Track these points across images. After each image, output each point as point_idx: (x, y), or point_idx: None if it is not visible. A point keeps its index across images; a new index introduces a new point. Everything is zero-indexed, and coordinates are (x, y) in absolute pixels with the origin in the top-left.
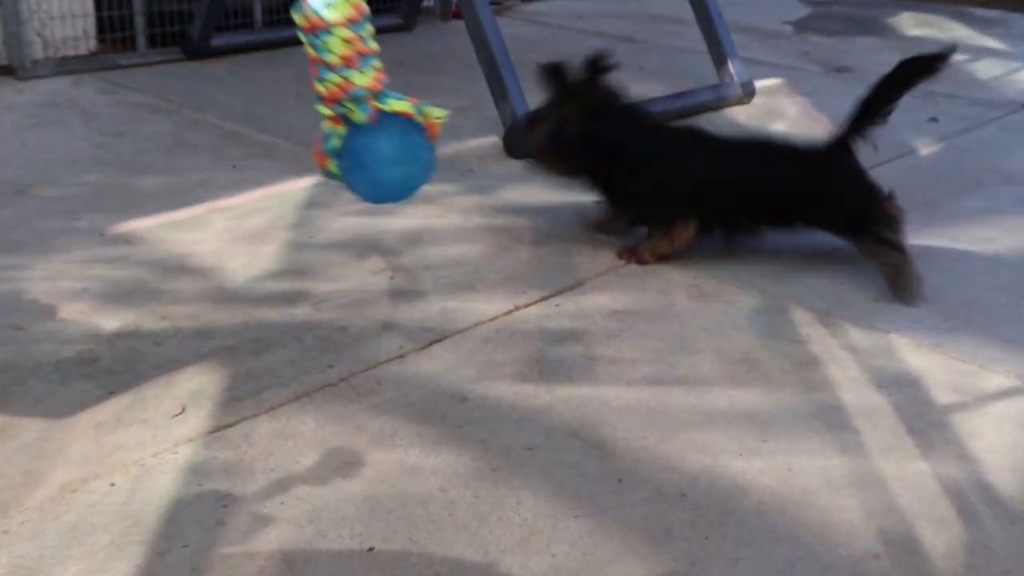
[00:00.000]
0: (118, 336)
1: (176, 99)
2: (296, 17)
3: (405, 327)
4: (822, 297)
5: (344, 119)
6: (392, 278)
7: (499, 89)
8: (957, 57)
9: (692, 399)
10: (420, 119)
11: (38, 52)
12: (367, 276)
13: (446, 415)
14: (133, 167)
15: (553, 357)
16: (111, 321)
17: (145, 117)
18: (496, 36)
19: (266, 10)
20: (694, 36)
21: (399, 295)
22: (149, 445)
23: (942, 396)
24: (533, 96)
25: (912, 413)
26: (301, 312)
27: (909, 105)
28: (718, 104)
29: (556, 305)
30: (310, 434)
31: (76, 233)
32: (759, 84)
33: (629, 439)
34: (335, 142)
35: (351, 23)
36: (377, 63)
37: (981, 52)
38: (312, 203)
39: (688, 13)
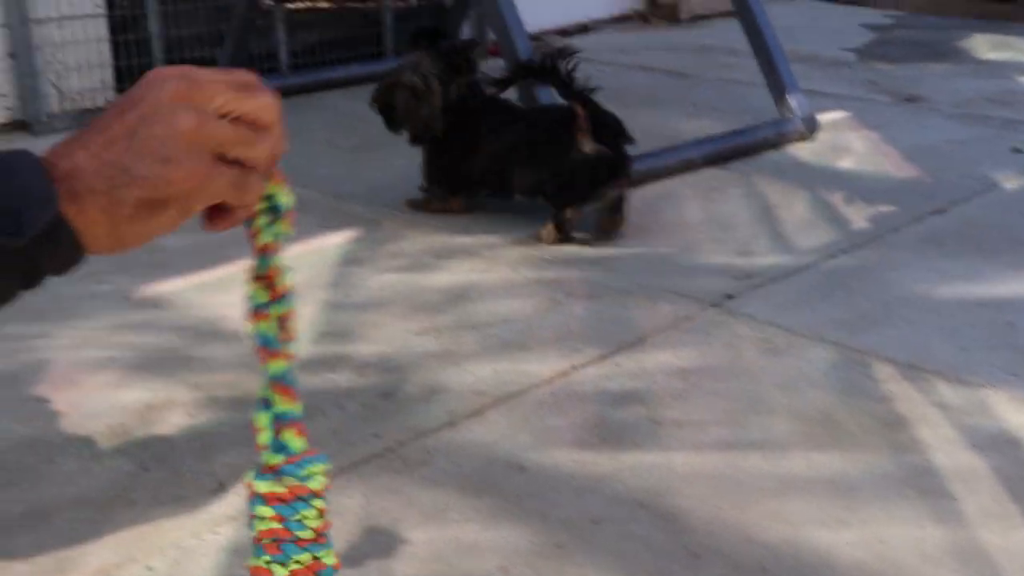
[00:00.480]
0: (149, 407)
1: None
2: (262, 488)
3: (454, 391)
4: (903, 348)
5: None
6: (438, 339)
7: None
8: None
9: (768, 464)
10: None
11: (54, 105)
12: (411, 337)
13: (502, 486)
14: None
15: (615, 421)
16: (141, 392)
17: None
18: None
19: (292, 54)
20: (749, 67)
21: (446, 357)
22: (187, 525)
23: None
24: None
25: (1014, 476)
26: (343, 377)
27: (987, 135)
28: (779, 141)
29: (615, 364)
30: (358, 509)
31: (101, 298)
32: (823, 117)
33: (701, 509)
34: None
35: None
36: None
37: None
38: (349, 259)
39: (741, 43)
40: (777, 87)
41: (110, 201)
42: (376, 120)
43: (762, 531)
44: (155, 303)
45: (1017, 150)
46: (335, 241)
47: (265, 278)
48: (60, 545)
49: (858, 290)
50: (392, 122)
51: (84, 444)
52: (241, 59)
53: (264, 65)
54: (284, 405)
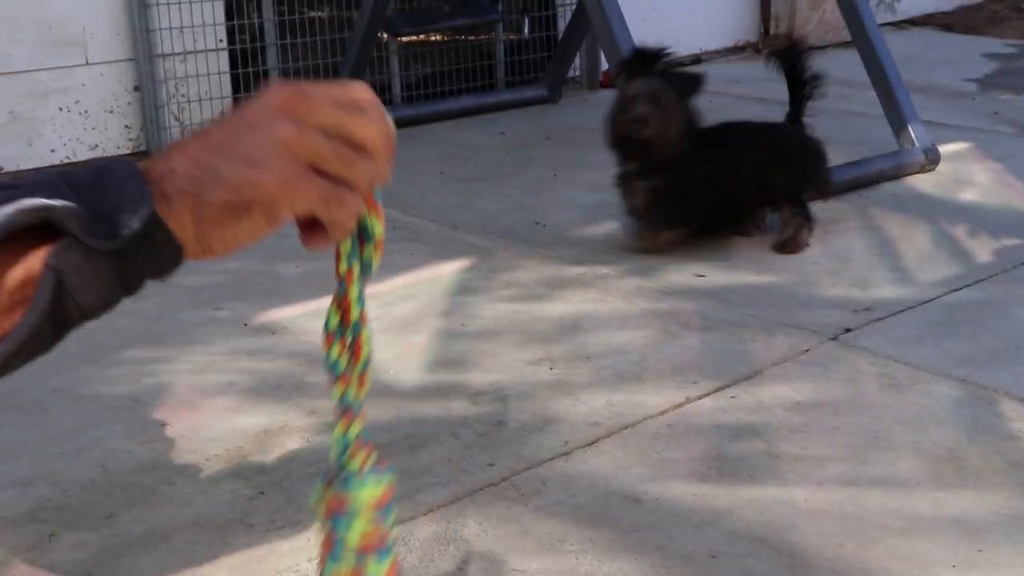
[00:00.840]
0: (267, 432)
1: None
2: (315, 499)
3: (568, 421)
4: None
5: None
6: (552, 368)
7: None
8: None
9: (892, 502)
10: None
11: (175, 136)
12: (525, 366)
13: (619, 518)
14: (275, 253)
15: (732, 454)
16: (259, 416)
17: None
18: None
19: (405, 85)
20: (866, 98)
21: (560, 387)
22: (303, 549)
23: None
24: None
25: None
26: (457, 406)
27: None
28: (898, 173)
29: (732, 397)
30: (472, 538)
31: (219, 324)
32: (944, 149)
33: (823, 546)
34: None
35: (381, 507)
36: (393, 554)
37: None
38: (463, 288)
39: (857, 74)
40: (896, 118)
41: (196, 202)
42: (489, 150)
43: (887, 571)
44: (271, 329)
45: None
46: (449, 270)
47: (341, 304)
48: (179, 567)
49: (983, 325)
50: (631, 155)
51: (202, 467)
52: None
53: (378, 97)
54: (344, 428)
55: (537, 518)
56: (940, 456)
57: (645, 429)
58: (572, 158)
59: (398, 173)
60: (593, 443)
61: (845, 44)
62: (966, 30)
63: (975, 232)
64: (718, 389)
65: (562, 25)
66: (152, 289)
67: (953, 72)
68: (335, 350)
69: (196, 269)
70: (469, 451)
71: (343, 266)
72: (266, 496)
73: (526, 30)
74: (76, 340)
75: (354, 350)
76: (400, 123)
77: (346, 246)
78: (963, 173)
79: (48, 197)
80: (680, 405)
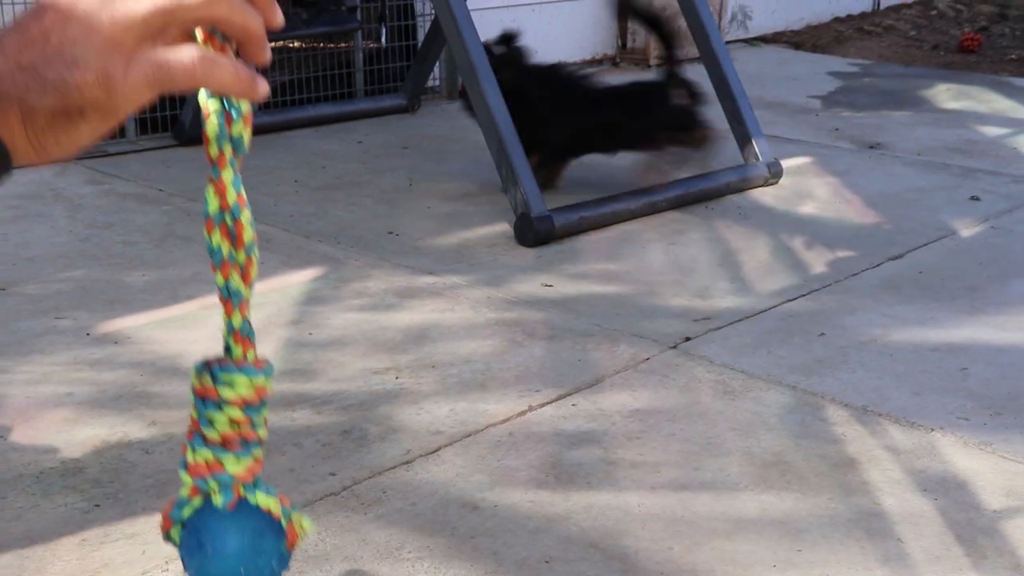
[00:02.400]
0: (104, 444)
1: (168, 188)
2: (192, 378)
3: (411, 430)
4: (858, 392)
5: (202, 493)
6: (397, 378)
7: (509, 173)
8: (998, 131)
9: (720, 505)
10: (283, 523)
11: None
12: (370, 376)
13: (456, 526)
14: (121, 262)
15: (570, 461)
16: (97, 428)
17: (135, 208)
18: (505, 118)
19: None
20: (715, 113)
21: (405, 396)
22: (138, 562)
23: (993, 500)
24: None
25: (960, 519)
26: (301, 415)
27: (947, 183)
28: (743, 186)
29: (572, 404)
30: (311, 548)
31: (60, 333)
32: (787, 163)
33: (653, 550)
34: (186, 512)
35: (246, 405)
36: (258, 452)
37: None
38: (312, 298)
39: (708, 89)
40: (742, 133)
41: (24, 109)
42: (346, 159)
43: (712, 572)
44: (115, 339)
45: (975, 198)
46: (298, 279)
47: (217, 188)
48: None
49: (815, 334)
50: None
51: (36, 480)
52: None
53: None
54: (227, 317)
55: (376, 527)
56: (768, 460)
57: (486, 437)
58: (429, 167)
59: (252, 181)
60: (435, 451)
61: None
62: (813, 48)
63: (812, 244)
64: (560, 397)
65: (422, 35)
66: None
67: (799, 89)
68: (215, 236)
69: (37, 277)
70: (311, 460)
71: (213, 149)
72: (101, 509)
73: (384, 39)
74: None
75: (235, 235)
76: (257, 131)
77: (213, 127)
78: (804, 187)
79: None
80: (522, 413)
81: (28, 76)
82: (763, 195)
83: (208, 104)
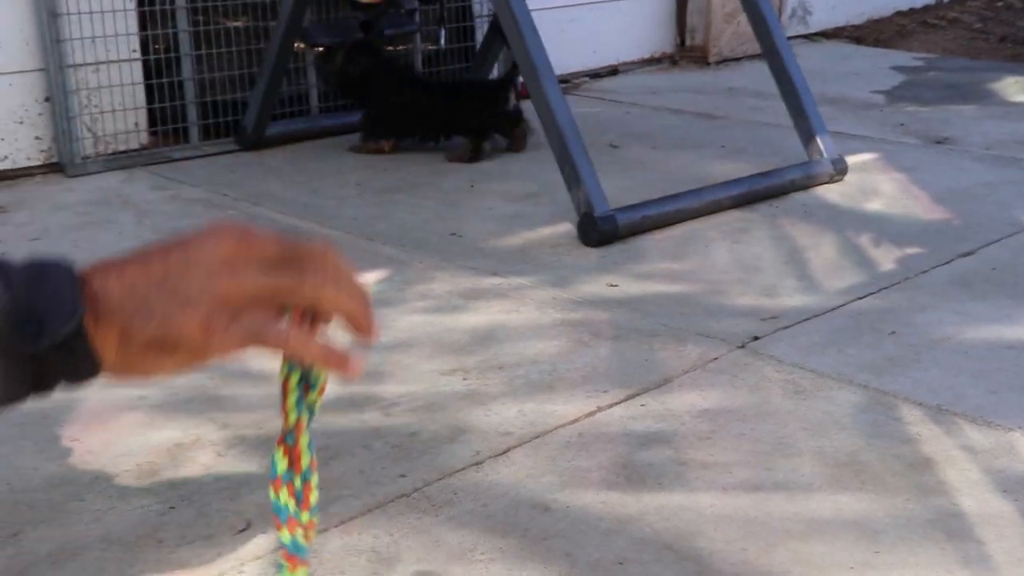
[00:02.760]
0: (178, 447)
1: (231, 192)
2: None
3: (480, 432)
4: (932, 391)
5: None
6: (465, 379)
7: (571, 174)
8: None
9: (794, 506)
10: None
11: (88, 148)
12: (438, 378)
13: (528, 527)
14: None
15: (641, 462)
16: (170, 431)
17: (199, 213)
18: (567, 117)
19: (323, 96)
20: (777, 110)
21: (473, 397)
22: (213, 564)
23: None
24: (607, 178)
25: None
26: (370, 417)
27: (1017, 177)
28: (808, 183)
29: (641, 405)
30: (384, 549)
31: None
32: (852, 160)
33: (727, 551)
34: None
35: None
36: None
37: None
38: (377, 300)
39: (770, 86)
40: (806, 129)
41: (124, 330)
42: (406, 161)
43: (787, 574)
44: None
45: None
46: (365, 280)
47: (291, 452)
48: None
49: (885, 332)
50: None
51: (112, 483)
52: (272, 101)
53: (295, 107)
54: (290, 572)
55: (448, 528)
56: (841, 461)
57: (556, 438)
58: (489, 168)
59: (316, 184)
60: (504, 453)
61: (759, 56)
62: (876, 43)
63: (880, 241)
64: (628, 398)
65: (480, 36)
66: None
67: (862, 84)
68: (283, 495)
69: None
70: (381, 463)
71: (292, 416)
72: (176, 511)
73: (442, 41)
74: None
75: (303, 497)
76: (317, 134)
77: (292, 397)
78: (870, 183)
79: None
80: (591, 414)
81: (139, 304)
82: (828, 192)
83: (287, 376)
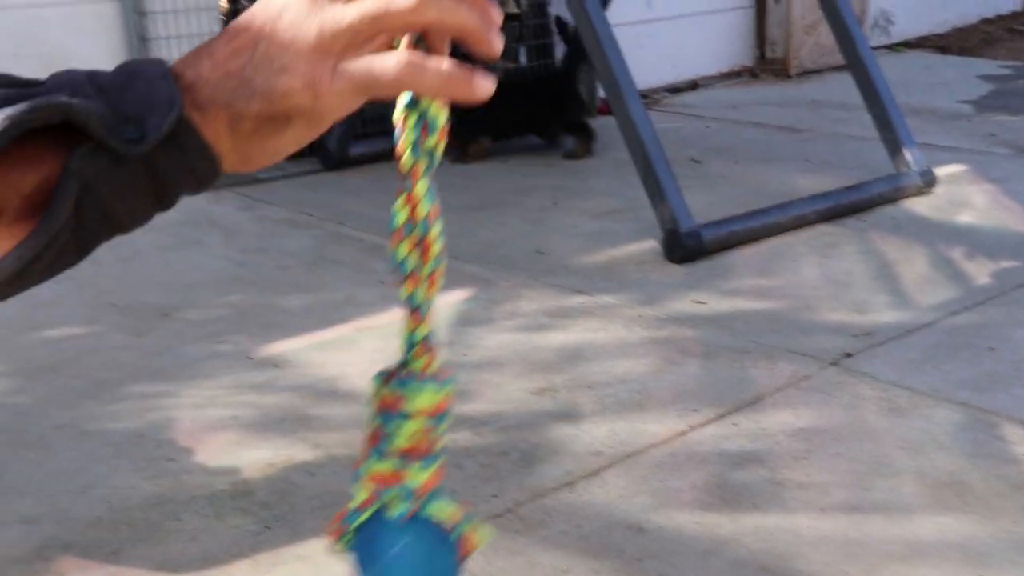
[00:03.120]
0: (271, 466)
1: (316, 212)
2: (371, 393)
3: (572, 451)
4: None
5: (378, 504)
6: (554, 398)
7: (655, 189)
8: None
9: (895, 528)
10: (458, 533)
11: None
12: (527, 396)
13: (623, 548)
14: (276, 286)
15: (735, 482)
16: (263, 451)
17: (285, 232)
18: (650, 132)
19: None
20: (862, 122)
21: (563, 416)
22: None
23: None
24: (690, 193)
25: None
26: (460, 437)
27: None
28: (895, 195)
29: (733, 424)
30: (478, 571)
31: (222, 357)
32: (940, 171)
33: (827, 574)
34: (359, 520)
35: (431, 416)
36: (438, 463)
37: None
38: (465, 319)
39: (853, 98)
40: (892, 141)
41: (231, 115)
42: (488, 179)
43: None
44: (274, 362)
45: None
46: (450, 300)
47: (409, 200)
48: None
49: (983, 348)
50: None
51: (208, 502)
52: (354, 121)
53: (378, 127)
54: (411, 328)
55: (542, 549)
56: (942, 481)
57: (648, 458)
58: (572, 186)
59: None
60: (596, 473)
61: (842, 67)
62: (960, 52)
63: (973, 254)
64: (720, 416)
65: (559, 53)
66: (153, 323)
67: (948, 94)
68: (403, 248)
69: (198, 302)
70: (472, 482)
71: (407, 161)
72: (271, 531)
73: (523, 58)
74: (78, 376)
75: (423, 247)
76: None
77: (408, 138)
78: (960, 195)
79: (71, 96)
80: (682, 433)
81: (236, 82)
82: (917, 205)
83: (404, 116)
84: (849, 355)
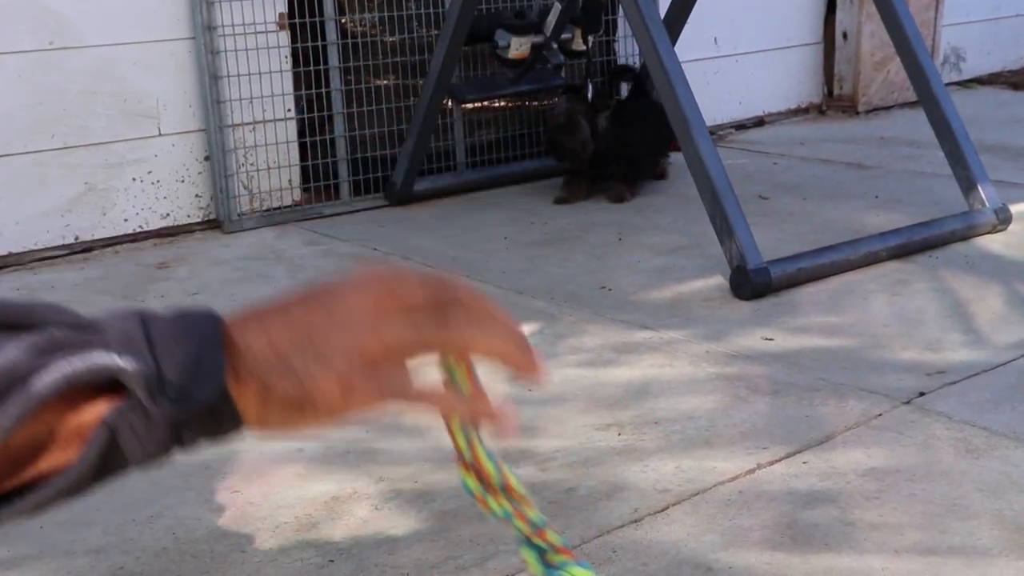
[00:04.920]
0: (335, 500)
1: (381, 247)
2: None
3: (638, 488)
4: None
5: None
6: (620, 434)
7: (724, 225)
8: None
9: (972, 572)
10: None
11: (244, 205)
12: (592, 432)
13: None
14: None
15: (805, 522)
16: (327, 484)
17: (350, 267)
18: (719, 169)
19: (469, 151)
20: (933, 159)
21: (629, 453)
22: None
23: None
24: (758, 230)
25: None
26: (525, 472)
27: None
28: (969, 233)
29: (803, 462)
30: None
31: None
32: (1015, 209)
33: None
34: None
35: None
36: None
37: None
38: None
39: (924, 134)
40: (965, 177)
41: (263, 387)
42: (553, 215)
43: None
44: None
45: None
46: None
47: (473, 469)
48: None
49: None
50: (558, 156)
51: (273, 535)
52: (420, 157)
53: (443, 163)
54: (544, 543)
55: None
56: (1022, 525)
57: (716, 496)
58: (637, 221)
59: (463, 238)
60: (663, 510)
61: (911, 104)
62: None
63: None
64: (789, 455)
65: (625, 90)
66: None
67: (1022, 131)
68: (493, 505)
69: None
70: None
71: (461, 442)
72: (335, 564)
73: (590, 95)
74: None
75: (507, 493)
76: (464, 188)
77: (455, 423)
78: None
79: (123, 351)
80: (751, 471)
81: (280, 363)
82: (991, 242)
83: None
84: (922, 394)
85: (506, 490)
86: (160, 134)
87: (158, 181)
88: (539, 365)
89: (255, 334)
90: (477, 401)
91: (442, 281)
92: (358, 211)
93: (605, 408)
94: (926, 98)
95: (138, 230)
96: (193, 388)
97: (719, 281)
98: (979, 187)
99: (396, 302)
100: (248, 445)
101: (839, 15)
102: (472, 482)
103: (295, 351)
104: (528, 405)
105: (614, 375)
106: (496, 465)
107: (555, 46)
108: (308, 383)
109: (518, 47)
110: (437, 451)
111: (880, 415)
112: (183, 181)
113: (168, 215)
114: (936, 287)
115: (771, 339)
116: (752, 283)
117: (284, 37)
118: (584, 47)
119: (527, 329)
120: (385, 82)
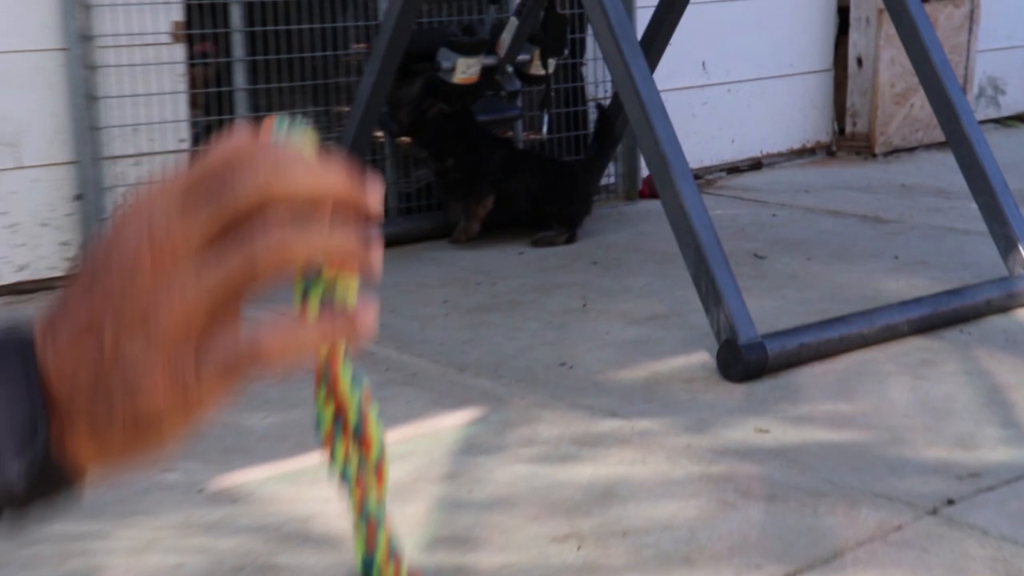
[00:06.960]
0: None
1: (289, 311)
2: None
3: None
4: None
5: None
6: (580, 548)
7: (709, 289)
8: None
9: None
10: None
11: None
12: (546, 545)
13: None
14: (239, 401)
15: None
16: None
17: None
18: (705, 221)
19: (402, 196)
20: (966, 212)
21: (590, 571)
22: None
23: None
24: (753, 296)
25: None
26: None
27: None
28: (1008, 303)
29: None
30: None
31: (168, 489)
32: None
33: None
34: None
35: None
36: None
37: None
38: (470, 446)
39: (955, 181)
40: (1005, 236)
41: (92, 424)
42: (504, 274)
43: None
44: (232, 497)
45: None
46: (453, 423)
47: (331, 395)
48: None
49: None
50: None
51: None
52: None
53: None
54: (372, 544)
55: None
56: None
57: None
58: (606, 283)
59: (394, 301)
60: None
61: (938, 145)
62: None
63: None
64: (788, 575)
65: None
66: None
67: None
68: (339, 454)
69: None
70: None
71: (322, 351)
72: None
73: (545, 128)
74: None
75: (363, 443)
76: (397, 241)
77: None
78: None
79: None
80: None
81: (89, 380)
82: None
83: (304, 297)
84: (951, 502)
85: (361, 441)
86: (19, 166)
87: (15, 224)
88: (375, 259)
89: (54, 356)
90: (339, 318)
91: (207, 169)
92: None
93: (562, 514)
94: (956, 139)
95: None
96: (5, 465)
97: (704, 358)
98: (1020, 247)
99: (170, 241)
100: (115, 560)
101: (853, 37)
102: (327, 414)
103: (101, 362)
104: (467, 510)
105: (574, 473)
106: (360, 403)
107: (510, 69)
108: (132, 400)
109: (465, 70)
110: (351, 568)
111: (900, 527)
112: (46, 225)
113: (25, 267)
114: (969, 369)
115: (766, 431)
116: (744, 361)
117: (179, 51)
118: (544, 71)
119: (467, 416)
120: (303, 109)
